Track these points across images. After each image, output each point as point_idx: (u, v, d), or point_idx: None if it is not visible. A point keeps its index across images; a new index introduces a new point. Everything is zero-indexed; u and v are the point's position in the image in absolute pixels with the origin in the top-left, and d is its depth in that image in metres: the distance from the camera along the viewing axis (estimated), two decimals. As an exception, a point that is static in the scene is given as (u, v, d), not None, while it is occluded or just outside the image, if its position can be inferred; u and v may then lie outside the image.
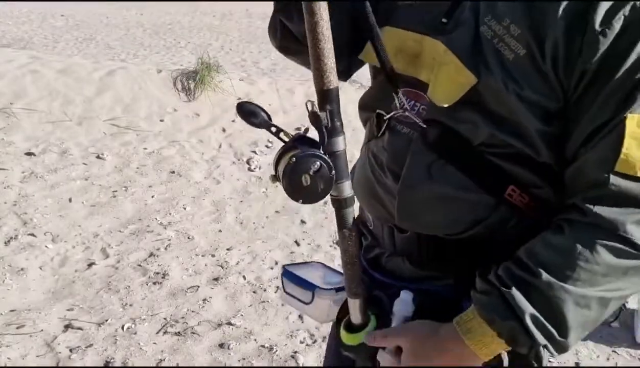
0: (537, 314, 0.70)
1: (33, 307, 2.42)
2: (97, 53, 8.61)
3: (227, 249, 2.96)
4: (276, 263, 2.87)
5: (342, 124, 0.76)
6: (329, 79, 0.74)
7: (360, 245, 0.90)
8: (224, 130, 4.69)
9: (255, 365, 2.17)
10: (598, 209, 0.69)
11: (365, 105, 0.96)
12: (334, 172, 0.73)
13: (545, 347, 0.71)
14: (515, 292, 0.71)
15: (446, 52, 0.77)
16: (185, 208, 3.40)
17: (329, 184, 0.73)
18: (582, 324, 0.71)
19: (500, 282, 0.73)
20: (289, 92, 5.34)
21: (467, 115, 0.78)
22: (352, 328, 0.87)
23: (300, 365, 2.17)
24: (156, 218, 3.26)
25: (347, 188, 0.78)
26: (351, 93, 4.38)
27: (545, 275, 0.70)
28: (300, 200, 0.74)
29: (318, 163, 0.72)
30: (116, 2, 14.58)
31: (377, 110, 0.89)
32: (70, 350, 2.18)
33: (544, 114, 0.74)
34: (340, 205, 0.79)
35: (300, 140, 0.76)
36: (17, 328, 2.28)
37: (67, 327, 2.31)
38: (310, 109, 0.74)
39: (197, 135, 4.56)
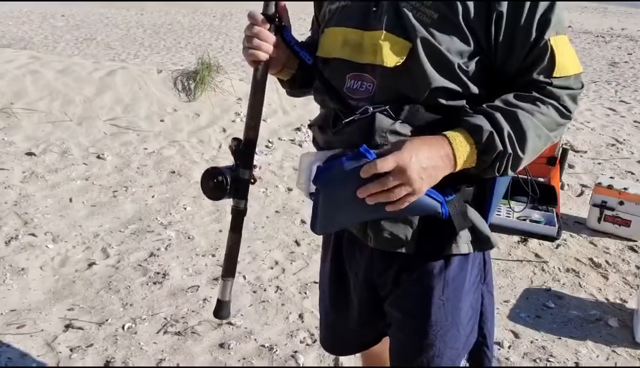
0: (511, 132, 0.97)
1: (33, 307, 2.42)
2: (97, 53, 8.62)
3: (227, 249, 2.96)
4: (276, 263, 2.87)
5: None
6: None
7: None
8: (224, 130, 4.70)
9: (255, 365, 2.17)
10: (548, 88, 1.02)
11: (318, 89, 1.19)
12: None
13: (507, 158, 0.98)
14: (498, 115, 0.98)
15: (385, 34, 1.03)
16: (185, 208, 3.41)
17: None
18: (532, 149, 1.00)
19: (487, 108, 1.00)
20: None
21: (411, 76, 1.02)
22: None
23: (300, 365, 2.18)
24: (156, 218, 3.26)
25: (242, 205, 1.18)
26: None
27: (520, 110, 0.99)
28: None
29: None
30: (116, 2, 14.58)
31: (334, 108, 1.12)
32: (71, 350, 2.18)
33: (463, 56, 1.01)
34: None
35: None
36: (18, 328, 2.28)
37: (67, 326, 2.31)
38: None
39: (197, 135, 4.56)
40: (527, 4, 0.98)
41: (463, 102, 1.04)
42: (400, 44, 1.02)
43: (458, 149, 0.97)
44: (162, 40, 10.20)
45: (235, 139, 1.17)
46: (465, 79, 1.02)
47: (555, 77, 1.01)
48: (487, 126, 0.97)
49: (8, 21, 11.34)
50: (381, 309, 1.25)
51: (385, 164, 0.91)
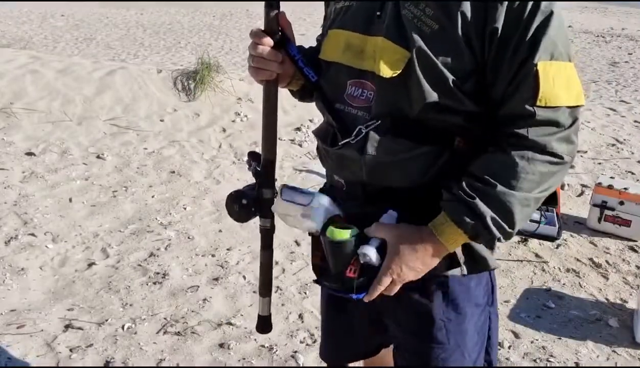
0: (495, 216, 0.94)
1: (33, 307, 2.42)
2: (97, 53, 8.61)
3: (227, 249, 2.96)
4: (276, 263, 2.87)
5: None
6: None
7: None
8: (224, 130, 4.69)
9: (255, 365, 2.17)
10: (531, 135, 0.93)
11: (319, 99, 1.15)
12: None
13: (499, 239, 0.96)
14: (478, 201, 0.94)
15: (383, 41, 0.99)
16: (185, 208, 3.41)
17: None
18: (524, 218, 0.97)
19: (465, 194, 0.95)
20: (289, 92, 5.33)
21: (406, 88, 0.98)
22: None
23: (300, 365, 2.18)
24: (156, 218, 3.26)
25: (268, 223, 1.20)
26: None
27: (499, 186, 0.93)
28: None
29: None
30: (116, 2, 14.58)
31: (334, 126, 1.10)
32: (71, 350, 2.18)
33: (459, 72, 0.96)
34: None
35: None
36: (18, 328, 2.28)
37: (67, 326, 2.31)
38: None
39: (197, 135, 4.56)
40: (521, 23, 0.92)
41: (459, 119, 1.00)
42: (399, 53, 0.97)
43: (448, 241, 0.98)
44: (162, 40, 10.19)
45: (251, 153, 1.18)
46: (460, 95, 0.97)
47: (540, 107, 0.92)
48: (468, 219, 0.94)
49: (8, 21, 11.34)
50: (379, 323, 1.21)
51: (381, 287, 0.99)
